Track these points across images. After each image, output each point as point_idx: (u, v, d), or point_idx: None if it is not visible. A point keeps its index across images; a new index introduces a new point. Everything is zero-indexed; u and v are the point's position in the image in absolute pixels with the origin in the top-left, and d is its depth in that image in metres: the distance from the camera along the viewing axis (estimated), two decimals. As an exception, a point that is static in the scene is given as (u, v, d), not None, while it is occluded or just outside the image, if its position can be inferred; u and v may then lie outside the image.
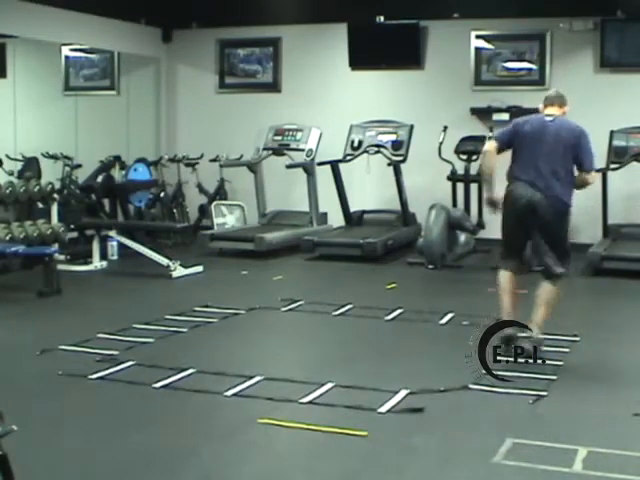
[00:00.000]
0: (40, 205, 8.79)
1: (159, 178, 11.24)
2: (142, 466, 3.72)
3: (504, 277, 5.51)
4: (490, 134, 9.86)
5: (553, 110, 5.70)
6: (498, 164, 5.62)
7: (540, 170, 5.43)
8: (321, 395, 4.58)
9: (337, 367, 5.28)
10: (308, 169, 10.39)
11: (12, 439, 2.54)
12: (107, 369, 5.03)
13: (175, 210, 11.24)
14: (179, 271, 8.47)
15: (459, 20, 10.53)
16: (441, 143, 9.98)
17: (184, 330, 6.14)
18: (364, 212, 10.63)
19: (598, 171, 9.00)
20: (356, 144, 10.24)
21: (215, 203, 10.83)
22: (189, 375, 4.95)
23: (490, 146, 5.63)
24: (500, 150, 5.58)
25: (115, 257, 9.30)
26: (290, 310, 6.95)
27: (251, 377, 4.86)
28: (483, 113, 10.40)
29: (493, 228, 9.84)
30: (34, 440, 3.77)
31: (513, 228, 5.53)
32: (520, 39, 10.48)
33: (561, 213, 5.45)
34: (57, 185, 9.31)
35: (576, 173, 5.54)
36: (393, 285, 8.06)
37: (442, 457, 3.84)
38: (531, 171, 5.45)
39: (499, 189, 5.59)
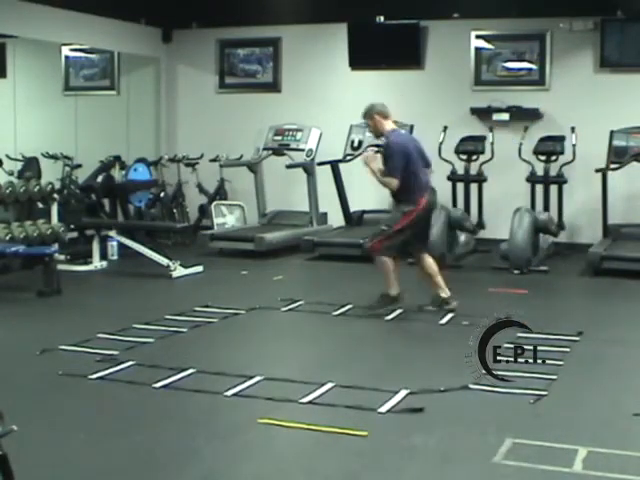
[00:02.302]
0: (40, 205, 8.79)
1: (159, 178, 11.24)
2: (142, 466, 3.72)
3: (389, 262, 6.63)
4: (490, 138, 9.92)
5: (392, 123, 6.79)
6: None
7: (427, 176, 6.78)
8: (321, 395, 4.58)
9: (337, 367, 5.28)
10: (308, 169, 10.39)
11: (12, 439, 2.54)
12: (107, 369, 5.03)
13: (175, 210, 11.24)
14: (179, 271, 8.47)
15: (459, 20, 10.53)
16: (441, 143, 9.98)
17: (184, 330, 6.14)
18: (364, 212, 10.61)
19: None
20: (356, 144, 10.23)
21: (215, 203, 10.83)
22: (189, 375, 4.95)
23: (396, 182, 6.56)
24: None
25: (115, 257, 9.30)
26: (290, 310, 6.96)
27: (251, 377, 4.86)
28: (483, 113, 10.40)
29: (493, 228, 9.93)
30: (34, 440, 3.76)
31: (421, 228, 6.79)
32: (520, 39, 10.48)
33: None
34: (57, 185, 9.31)
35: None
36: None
37: (442, 457, 3.84)
38: (427, 178, 6.75)
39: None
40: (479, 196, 10.12)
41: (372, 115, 6.70)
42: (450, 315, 6.59)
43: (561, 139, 9.73)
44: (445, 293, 6.77)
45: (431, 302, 6.80)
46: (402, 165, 6.55)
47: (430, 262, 6.84)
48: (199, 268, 8.75)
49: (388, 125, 6.74)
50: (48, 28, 9.81)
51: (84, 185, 10.10)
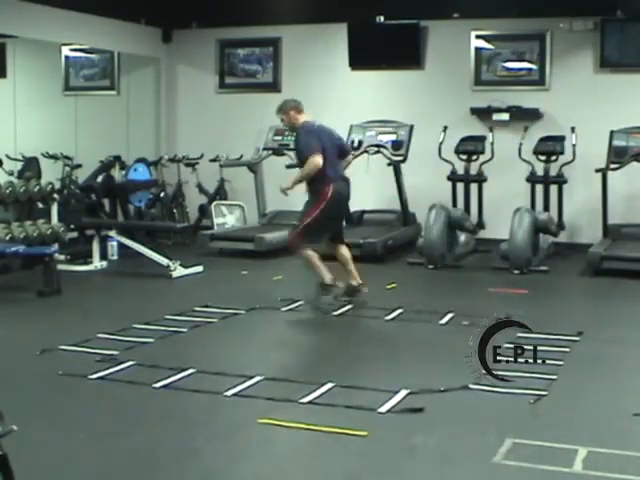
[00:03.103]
0: (40, 205, 8.79)
1: (159, 178, 11.24)
2: (142, 466, 3.72)
3: (314, 255, 6.84)
4: (490, 138, 9.92)
5: (307, 116, 7.01)
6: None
7: (338, 167, 6.95)
8: (321, 395, 4.58)
9: (337, 367, 5.29)
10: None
11: (12, 439, 2.54)
12: (107, 369, 5.03)
13: (175, 210, 11.24)
14: (179, 271, 8.47)
15: (459, 20, 10.53)
16: (441, 143, 9.98)
17: (184, 330, 6.14)
18: (364, 212, 10.62)
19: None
20: (356, 144, 10.23)
21: (215, 203, 10.83)
22: (189, 375, 4.95)
23: (320, 158, 6.70)
24: None
25: (115, 257, 9.30)
26: (290, 310, 6.96)
27: (251, 377, 4.86)
28: (483, 113, 10.40)
29: (493, 228, 9.93)
30: (34, 440, 3.76)
31: (334, 217, 6.97)
32: (520, 39, 10.48)
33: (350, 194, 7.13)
34: (57, 185, 9.31)
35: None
36: (393, 285, 8.06)
37: (442, 457, 3.84)
38: (337, 169, 6.90)
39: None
40: (479, 196, 10.12)
41: (287, 110, 6.96)
42: (450, 315, 6.59)
43: (561, 139, 9.72)
44: (356, 281, 7.03)
45: (344, 291, 7.02)
46: (318, 143, 6.71)
47: (343, 251, 7.08)
48: (199, 268, 8.75)
49: (302, 119, 6.96)
50: (48, 28, 9.81)
51: (84, 185, 10.10)
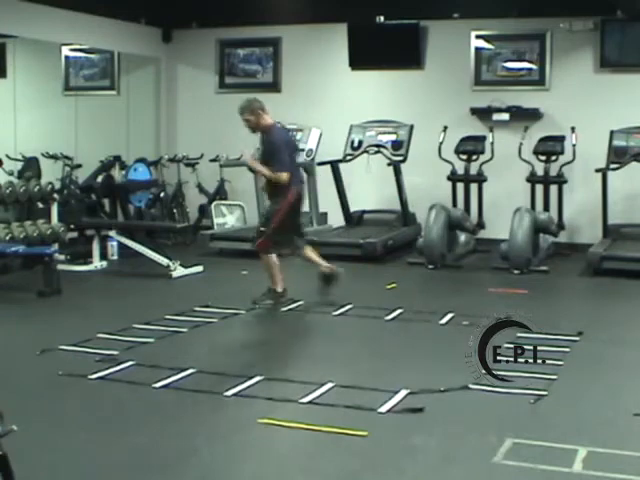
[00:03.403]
0: (40, 205, 8.79)
1: (159, 178, 11.24)
2: (142, 466, 3.71)
3: (276, 263, 6.95)
4: (490, 138, 9.92)
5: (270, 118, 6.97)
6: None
7: (299, 171, 7.19)
8: (321, 395, 4.57)
9: (337, 367, 5.28)
10: (308, 169, 10.36)
11: (12, 439, 2.54)
12: (107, 369, 5.03)
13: (175, 210, 11.24)
14: (179, 271, 8.47)
15: (459, 20, 10.53)
16: (441, 143, 9.98)
17: (184, 330, 6.14)
18: (364, 212, 10.62)
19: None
20: (356, 144, 10.24)
21: (215, 203, 10.84)
22: (189, 375, 4.95)
23: (288, 175, 6.80)
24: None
25: (115, 257, 9.30)
26: (290, 310, 6.96)
27: (251, 377, 4.86)
28: (483, 113, 10.40)
29: (493, 228, 9.93)
30: (34, 440, 3.76)
31: (296, 218, 7.04)
32: (520, 39, 10.48)
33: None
34: (57, 185, 9.32)
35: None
36: (393, 285, 8.06)
37: (442, 457, 3.84)
38: (298, 173, 7.13)
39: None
40: (479, 196, 10.13)
41: (256, 110, 6.86)
42: (450, 315, 6.59)
43: (561, 139, 9.73)
44: (326, 267, 7.12)
45: (320, 279, 7.13)
46: (288, 159, 6.84)
47: (310, 249, 7.22)
48: (199, 268, 8.75)
49: (269, 119, 6.93)
50: (48, 28, 9.81)
51: (84, 185, 10.11)
